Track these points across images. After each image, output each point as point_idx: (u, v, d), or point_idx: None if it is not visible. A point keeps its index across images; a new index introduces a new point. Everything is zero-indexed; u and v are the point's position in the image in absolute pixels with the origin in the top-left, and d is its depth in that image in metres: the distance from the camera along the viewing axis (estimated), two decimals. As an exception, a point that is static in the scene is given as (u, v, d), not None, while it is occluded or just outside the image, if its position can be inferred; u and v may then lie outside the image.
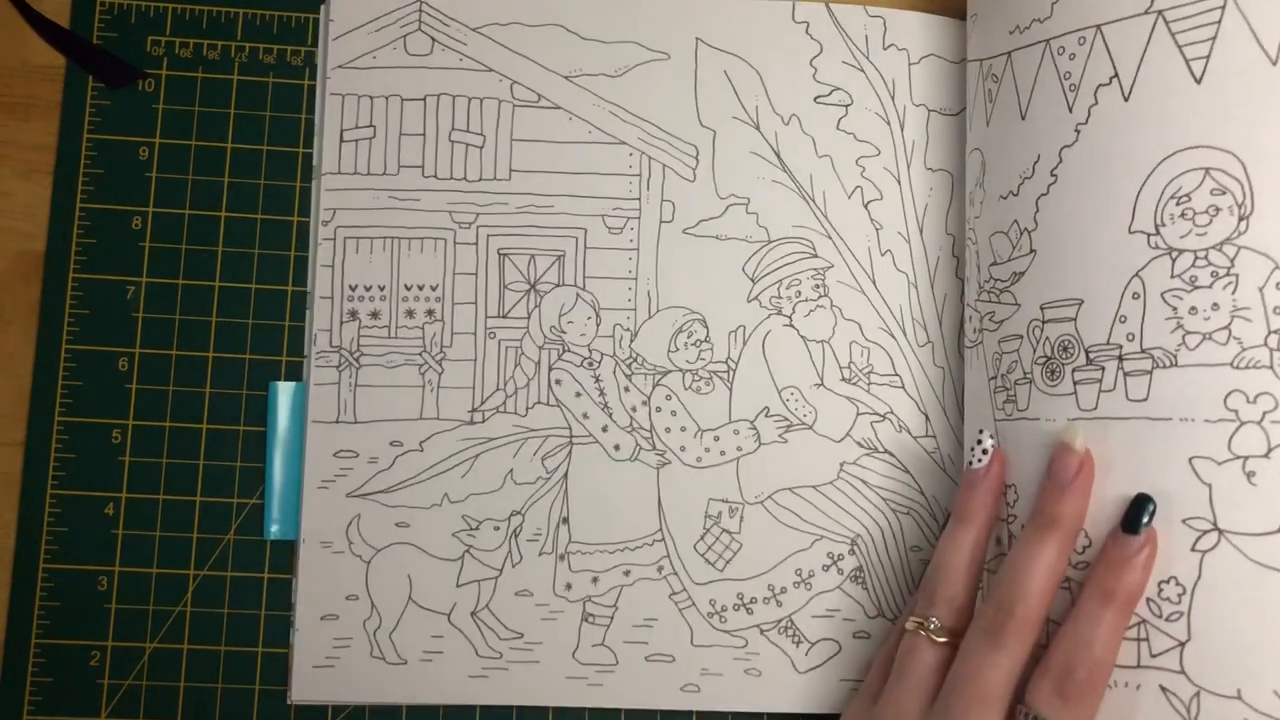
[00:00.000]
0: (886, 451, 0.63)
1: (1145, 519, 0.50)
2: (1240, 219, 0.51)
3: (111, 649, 0.60)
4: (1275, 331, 0.50)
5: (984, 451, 0.56)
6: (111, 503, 0.61)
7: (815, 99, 0.65)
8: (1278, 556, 0.49)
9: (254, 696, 0.61)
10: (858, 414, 0.63)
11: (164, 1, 0.65)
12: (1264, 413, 0.49)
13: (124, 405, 0.62)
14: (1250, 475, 0.49)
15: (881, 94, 0.65)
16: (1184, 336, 0.52)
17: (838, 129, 0.65)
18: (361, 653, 0.60)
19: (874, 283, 0.64)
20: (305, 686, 0.60)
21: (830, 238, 0.64)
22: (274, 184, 0.64)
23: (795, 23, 0.66)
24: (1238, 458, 0.50)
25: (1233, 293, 0.51)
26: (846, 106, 0.65)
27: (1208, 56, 0.53)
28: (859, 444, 0.63)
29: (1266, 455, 0.49)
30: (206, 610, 0.61)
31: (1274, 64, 0.51)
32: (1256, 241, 0.50)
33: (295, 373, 0.63)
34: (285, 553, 0.62)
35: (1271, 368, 0.49)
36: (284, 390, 0.63)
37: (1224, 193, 0.51)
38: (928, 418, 0.64)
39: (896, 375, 0.64)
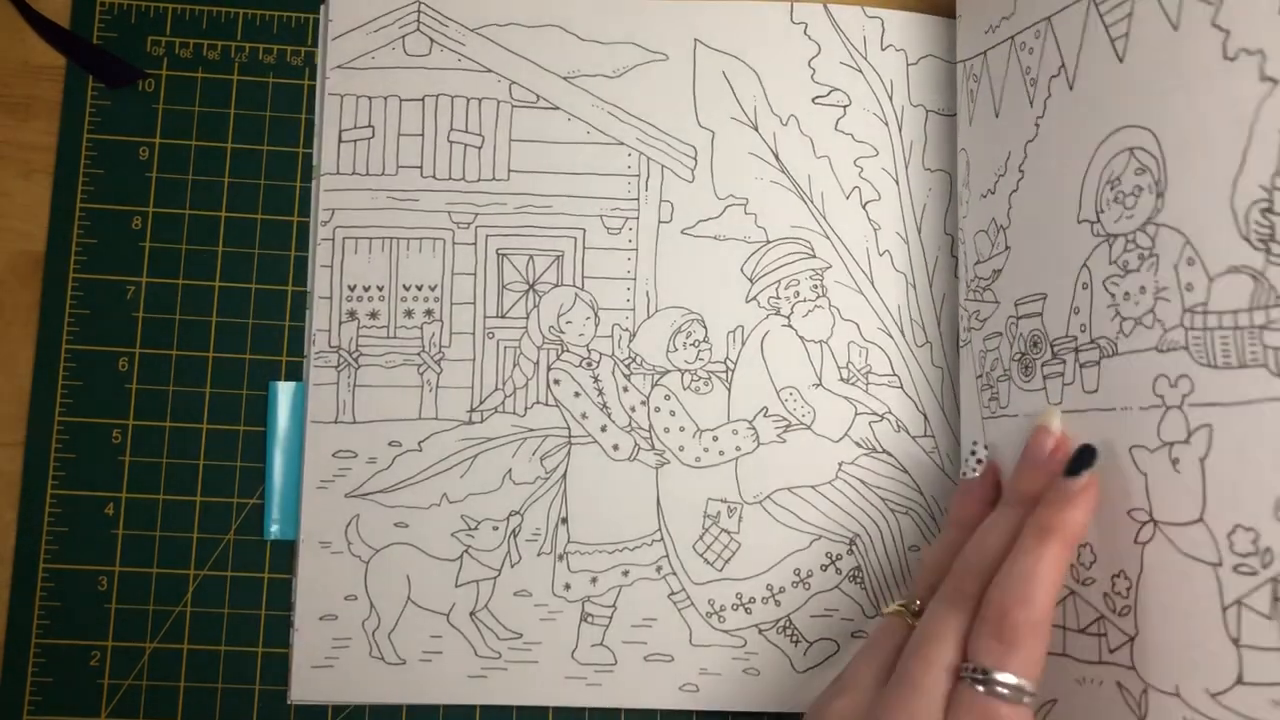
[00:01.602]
0: (885, 451, 0.65)
1: (1085, 465, 0.50)
2: (1158, 196, 0.51)
3: (111, 649, 0.61)
4: (1189, 309, 0.49)
5: (978, 461, 0.58)
6: (111, 503, 0.62)
7: (813, 99, 0.66)
8: (1199, 546, 0.48)
9: (254, 696, 0.62)
10: (856, 414, 0.65)
11: (164, 1, 0.66)
12: (1183, 396, 0.49)
13: (124, 405, 0.63)
14: (1175, 462, 0.49)
15: (880, 94, 0.67)
16: (1121, 323, 0.52)
17: (836, 129, 0.66)
18: (361, 653, 0.62)
19: (872, 283, 0.65)
20: (305, 686, 0.61)
21: (828, 238, 0.66)
22: (274, 184, 0.65)
23: (793, 23, 0.67)
24: (1165, 444, 0.49)
25: (1155, 274, 0.50)
26: (845, 107, 0.66)
27: (1127, 34, 0.53)
28: (857, 444, 0.64)
29: (1187, 441, 0.49)
30: (206, 610, 0.62)
31: (1176, 29, 0.51)
32: (1170, 217, 0.50)
33: (295, 373, 0.64)
34: (285, 553, 0.63)
35: (1187, 348, 0.49)
36: (284, 390, 0.64)
37: (1144, 171, 0.52)
38: (926, 418, 0.65)
39: (895, 375, 0.65)
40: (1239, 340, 0.47)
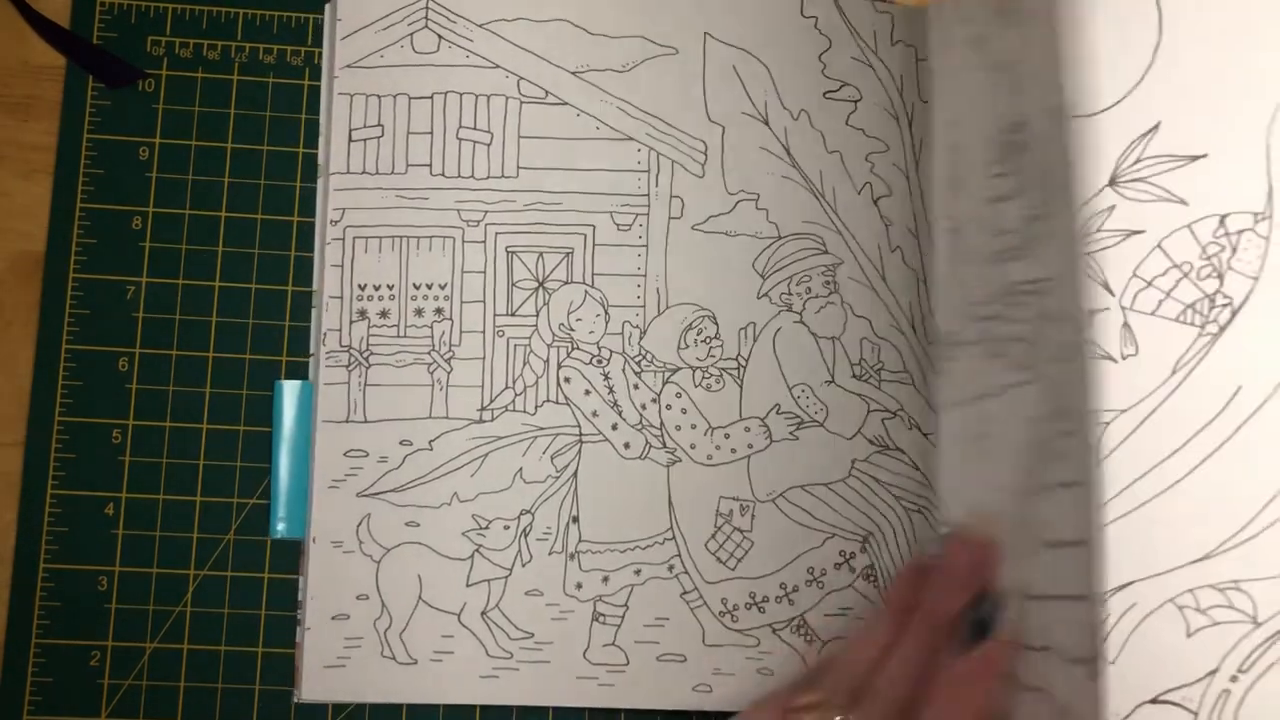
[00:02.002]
0: (897, 449, 0.65)
1: (989, 625, 0.49)
2: (956, 188, 0.53)
3: (111, 649, 0.61)
4: (969, 304, 0.51)
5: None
6: (111, 503, 0.62)
7: (824, 94, 0.67)
8: None
9: (254, 696, 0.61)
10: (869, 411, 0.65)
11: (164, 1, 0.66)
12: (977, 391, 0.51)
13: (124, 405, 0.63)
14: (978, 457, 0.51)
15: (890, 90, 0.68)
16: (961, 319, 0.55)
17: (847, 124, 0.67)
18: (372, 652, 0.61)
19: (884, 279, 0.66)
20: (315, 686, 0.61)
21: (840, 234, 0.66)
22: (274, 184, 0.65)
23: (804, 18, 0.68)
24: (974, 439, 0.51)
25: (960, 267, 0.54)
26: (855, 102, 0.67)
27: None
28: (870, 441, 0.65)
29: (980, 437, 0.51)
30: (206, 610, 0.62)
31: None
32: (959, 210, 0.53)
33: (295, 372, 0.64)
34: (286, 552, 0.63)
35: (977, 343, 0.51)
36: (289, 389, 0.64)
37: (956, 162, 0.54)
38: (937, 414, 0.66)
39: (906, 372, 0.65)
40: (991, 331, 0.49)
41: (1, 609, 0.61)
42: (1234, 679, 0.48)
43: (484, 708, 0.62)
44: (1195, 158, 0.50)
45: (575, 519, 0.63)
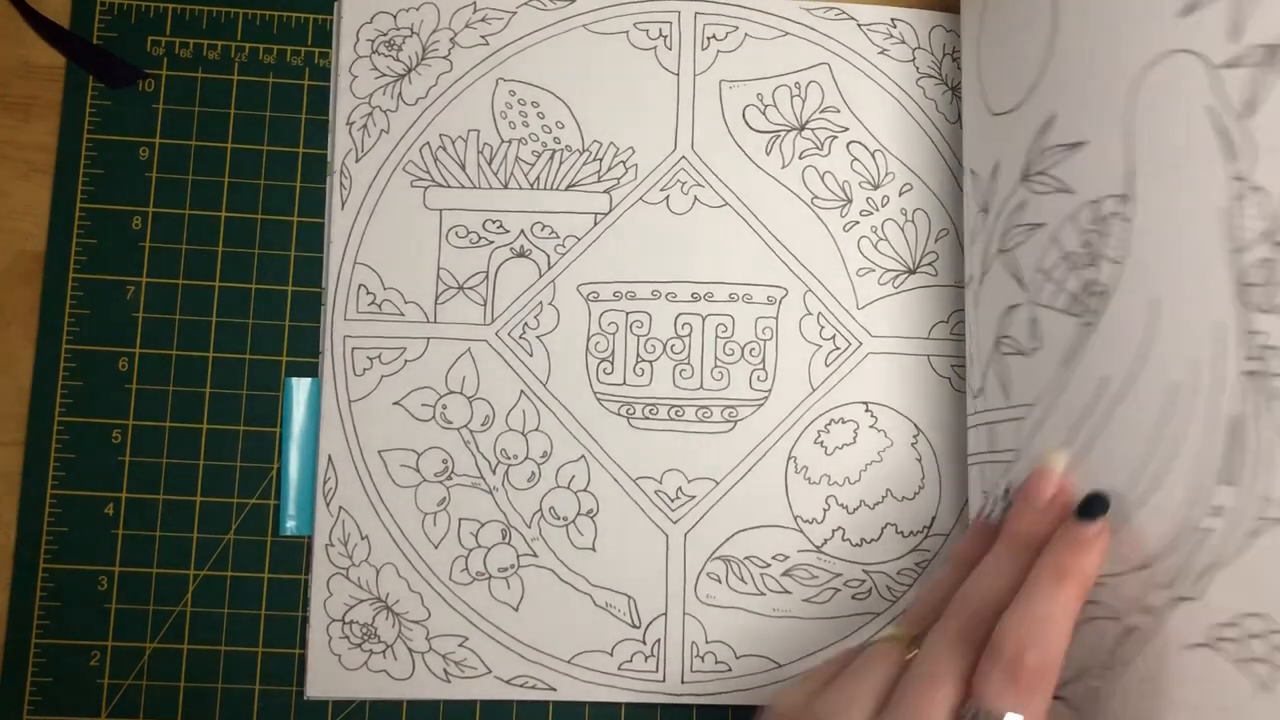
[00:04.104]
0: None
1: (1099, 512, 0.49)
2: None
3: (111, 649, 0.62)
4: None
5: (1006, 507, 0.55)
6: (111, 503, 0.63)
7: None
8: None
9: (254, 696, 0.62)
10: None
11: (164, 1, 0.67)
12: None
13: (124, 405, 0.64)
14: None
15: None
16: None
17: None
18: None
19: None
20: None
21: None
22: (274, 184, 0.66)
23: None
24: None
25: None
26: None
27: None
28: None
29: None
30: (207, 610, 0.63)
31: None
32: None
33: (295, 372, 0.65)
34: (287, 552, 0.64)
35: None
36: (299, 386, 0.65)
37: None
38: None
39: None
40: None
41: (1, 609, 0.62)
42: (1100, 676, 0.49)
43: (484, 703, 0.63)
44: (1077, 145, 0.51)
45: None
